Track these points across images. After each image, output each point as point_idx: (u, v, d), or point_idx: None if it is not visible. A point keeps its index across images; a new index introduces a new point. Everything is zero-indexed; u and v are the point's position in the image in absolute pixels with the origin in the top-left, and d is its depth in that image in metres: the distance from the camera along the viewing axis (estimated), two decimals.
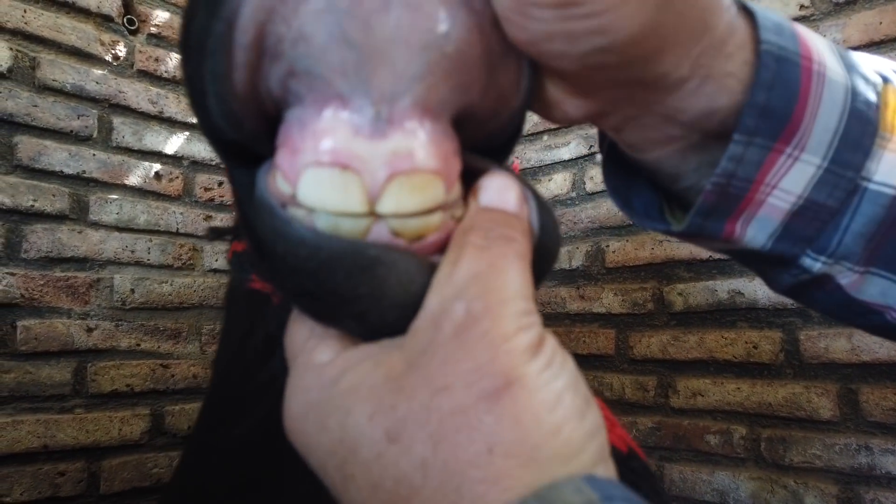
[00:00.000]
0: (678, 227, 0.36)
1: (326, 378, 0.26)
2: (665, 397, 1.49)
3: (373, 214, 0.25)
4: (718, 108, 0.31)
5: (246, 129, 0.26)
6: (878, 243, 0.35)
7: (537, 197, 0.28)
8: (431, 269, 0.26)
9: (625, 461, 0.50)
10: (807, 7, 1.35)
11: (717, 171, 0.32)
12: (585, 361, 1.63)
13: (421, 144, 0.25)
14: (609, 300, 1.61)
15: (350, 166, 0.24)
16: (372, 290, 0.24)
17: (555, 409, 0.23)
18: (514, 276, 0.25)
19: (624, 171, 0.39)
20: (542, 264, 0.28)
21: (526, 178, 1.81)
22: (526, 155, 1.82)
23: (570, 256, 1.70)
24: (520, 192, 0.27)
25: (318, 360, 0.27)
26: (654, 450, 1.48)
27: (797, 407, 1.30)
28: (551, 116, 0.32)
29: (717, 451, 1.39)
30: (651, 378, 1.52)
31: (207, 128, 0.26)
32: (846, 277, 0.36)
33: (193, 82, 0.25)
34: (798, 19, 1.35)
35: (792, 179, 0.33)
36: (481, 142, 0.29)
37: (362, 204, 0.24)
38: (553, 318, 1.71)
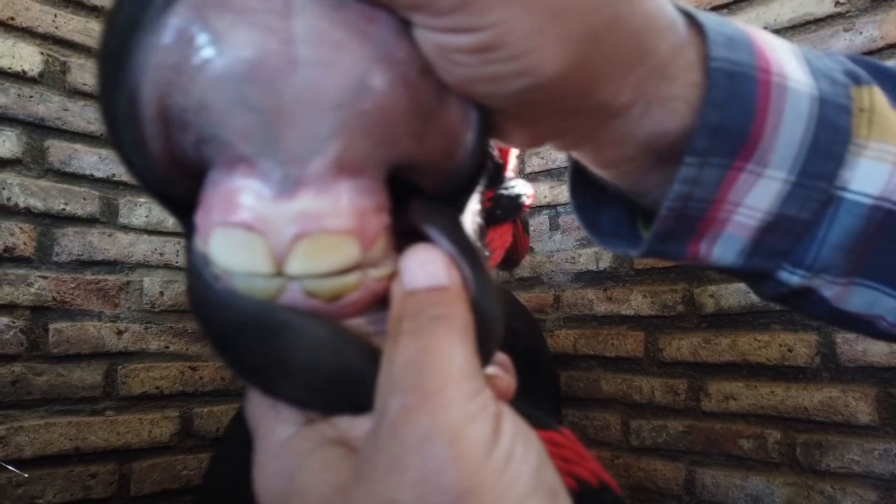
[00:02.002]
0: (636, 252, 0.35)
1: (283, 467, 0.25)
2: (696, 400, 1.47)
3: (283, 275, 0.24)
4: (668, 132, 0.30)
5: (177, 189, 0.26)
6: (861, 254, 0.34)
7: (472, 254, 0.27)
8: (347, 334, 0.25)
9: (597, 495, 0.52)
10: (842, 3, 1.32)
11: (671, 196, 0.31)
12: (613, 364, 1.62)
13: (331, 205, 0.24)
14: (638, 302, 1.59)
15: (255, 228, 0.24)
16: (280, 357, 0.24)
17: None
18: (453, 356, 0.23)
19: (592, 187, 0.38)
20: (486, 330, 0.26)
21: (554, 178, 1.80)
22: (551, 155, 1.80)
23: (598, 258, 1.68)
24: (443, 263, 0.26)
25: (277, 436, 0.26)
26: (685, 454, 1.46)
27: (834, 411, 1.27)
28: (507, 143, 0.31)
29: (750, 455, 1.37)
30: (681, 381, 1.50)
31: (144, 188, 0.26)
32: (829, 290, 0.35)
33: (117, 149, 0.25)
34: (834, 16, 1.33)
35: (757, 196, 0.32)
36: (443, 184, 0.28)
37: (269, 265, 0.24)
38: (580, 321, 1.70)
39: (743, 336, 1.41)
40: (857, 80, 0.33)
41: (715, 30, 0.30)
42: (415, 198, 0.29)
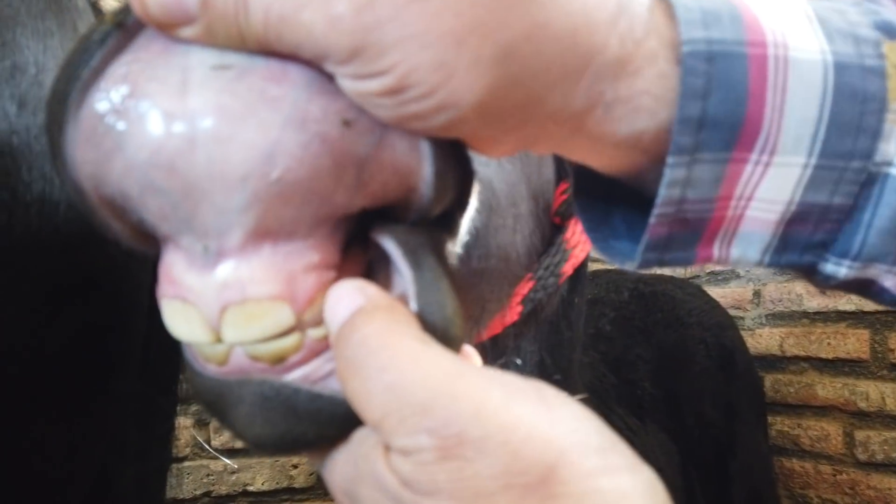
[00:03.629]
0: (630, 265, 0.32)
1: (351, 459, 0.26)
2: None
3: (224, 342, 0.25)
4: (642, 130, 0.27)
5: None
6: None
7: (416, 254, 0.27)
8: (285, 389, 0.26)
9: None
10: None
11: (659, 202, 0.28)
12: (831, 366, 1.43)
13: (251, 272, 0.24)
14: None
15: (187, 299, 0.25)
16: (238, 422, 0.26)
17: (605, 473, 0.21)
18: (425, 353, 0.23)
19: (600, 184, 0.33)
20: (434, 324, 0.26)
21: None
22: None
23: None
24: (353, 288, 0.26)
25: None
26: None
27: None
28: (483, 154, 0.29)
29: None
30: None
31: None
32: (889, 279, 0.31)
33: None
34: None
35: (770, 187, 0.28)
36: (413, 216, 0.27)
37: (207, 334, 0.25)
38: (787, 318, 1.53)
39: None
40: (890, 33, 0.28)
41: (687, 6, 0.26)
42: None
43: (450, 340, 0.26)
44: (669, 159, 0.27)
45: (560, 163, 0.57)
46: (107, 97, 0.23)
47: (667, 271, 1.68)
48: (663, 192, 0.27)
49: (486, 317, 0.52)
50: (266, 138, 0.22)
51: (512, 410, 0.22)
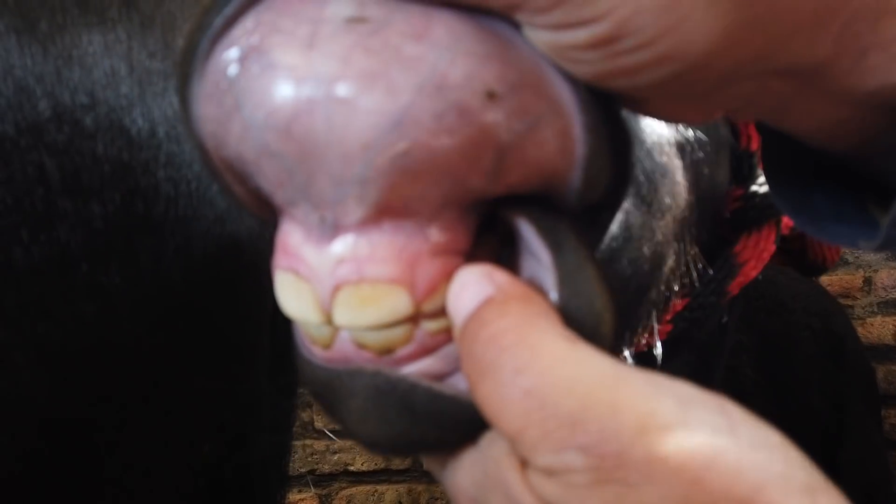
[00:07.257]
0: (869, 244, 0.27)
1: (478, 466, 0.24)
2: None
3: (333, 324, 0.24)
4: None
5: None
6: None
7: (557, 235, 0.23)
8: (402, 384, 0.23)
9: None
10: None
11: None
12: None
13: (370, 250, 0.22)
14: None
15: (301, 273, 0.23)
16: (350, 418, 0.24)
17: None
18: (577, 364, 0.19)
19: (794, 158, 0.29)
20: (582, 317, 0.22)
21: None
22: None
23: None
24: (480, 273, 0.23)
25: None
26: None
27: None
28: (671, 122, 0.25)
29: None
30: None
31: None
32: None
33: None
34: None
35: None
36: (567, 208, 0.24)
37: (317, 313, 0.23)
38: None
39: None
40: None
41: None
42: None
43: (599, 340, 0.22)
44: None
45: (738, 162, 0.52)
46: (233, 50, 0.21)
47: None
48: None
49: (627, 334, 0.48)
50: (395, 104, 0.20)
51: (690, 427, 0.17)
